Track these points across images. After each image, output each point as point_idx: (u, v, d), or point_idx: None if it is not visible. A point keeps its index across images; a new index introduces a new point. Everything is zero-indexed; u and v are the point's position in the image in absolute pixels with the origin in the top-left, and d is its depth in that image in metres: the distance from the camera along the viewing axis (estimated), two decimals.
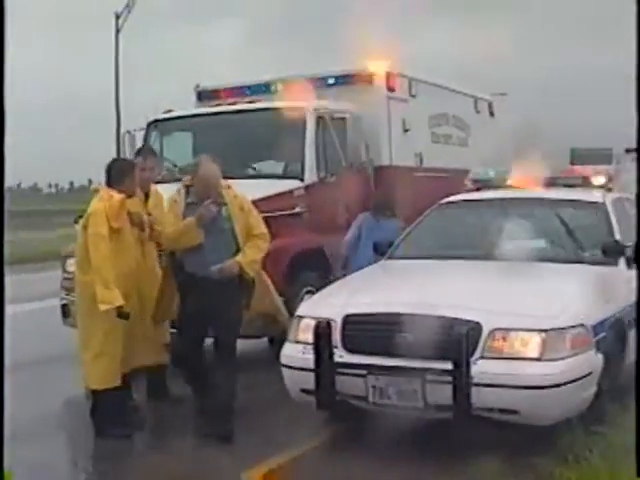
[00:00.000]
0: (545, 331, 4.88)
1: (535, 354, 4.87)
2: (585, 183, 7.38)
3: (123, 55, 29.74)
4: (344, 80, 9.67)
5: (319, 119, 8.71)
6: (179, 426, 6.13)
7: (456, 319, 4.97)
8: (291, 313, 6.01)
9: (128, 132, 10.18)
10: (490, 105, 13.18)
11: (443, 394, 4.83)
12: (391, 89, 9.84)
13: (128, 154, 9.89)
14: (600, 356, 5.14)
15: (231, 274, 5.71)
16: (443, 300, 5.26)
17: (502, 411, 4.84)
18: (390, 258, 6.82)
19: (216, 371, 5.82)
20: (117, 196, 5.84)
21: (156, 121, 9.68)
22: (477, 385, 4.78)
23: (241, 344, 6.07)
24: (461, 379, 4.77)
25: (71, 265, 7.46)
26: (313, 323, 5.36)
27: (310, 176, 8.50)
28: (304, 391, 5.39)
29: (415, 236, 7.05)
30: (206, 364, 5.97)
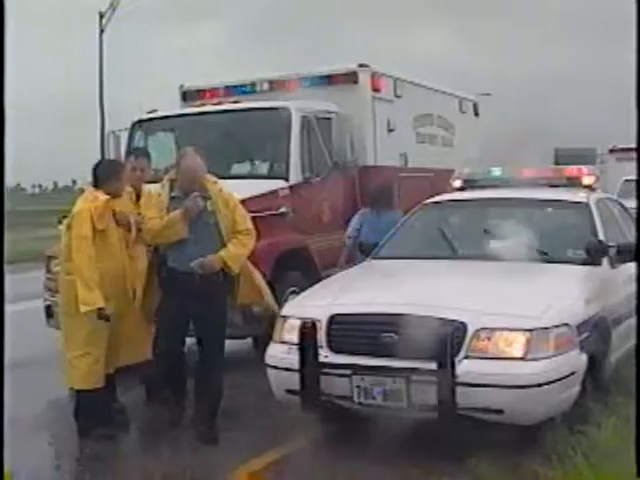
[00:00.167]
0: (529, 331, 4.89)
1: (519, 354, 4.88)
2: (570, 183, 7.40)
3: (107, 55, 29.64)
4: (329, 80, 9.68)
5: (304, 119, 8.72)
6: (165, 427, 6.10)
7: (441, 319, 4.98)
8: (275, 314, 6.00)
9: (112, 132, 10.16)
10: (475, 105, 13.24)
11: (428, 394, 4.83)
12: (376, 89, 9.86)
13: (113, 154, 9.88)
14: (584, 356, 5.16)
15: (213, 269, 5.62)
16: (428, 300, 5.26)
17: (486, 411, 4.85)
18: (375, 258, 6.83)
19: (202, 372, 5.80)
20: (102, 197, 5.82)
21: (140, 121, 9.66)
22: (462, 385, 4.78)
23: (225, 344, 6.05)
24: (446, 379, 4.77)
25: (55, 266, 7.43)
26: (298, 323, 5.36)
27: (295, 176, 8.50)
28: (289, 391, 5.39)
29: (400, 236, 7.05)
30: (186, 365, 5.87)
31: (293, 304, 5.97)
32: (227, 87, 10.19)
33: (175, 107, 10.38)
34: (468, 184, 7.77)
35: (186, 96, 10.56)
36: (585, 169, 7.62)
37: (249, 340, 8.11)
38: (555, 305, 5.22)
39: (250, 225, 5.87)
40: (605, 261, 6.17)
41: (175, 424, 5.92)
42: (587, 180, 7.40)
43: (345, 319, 5.35)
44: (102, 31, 29.40)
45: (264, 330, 6.63)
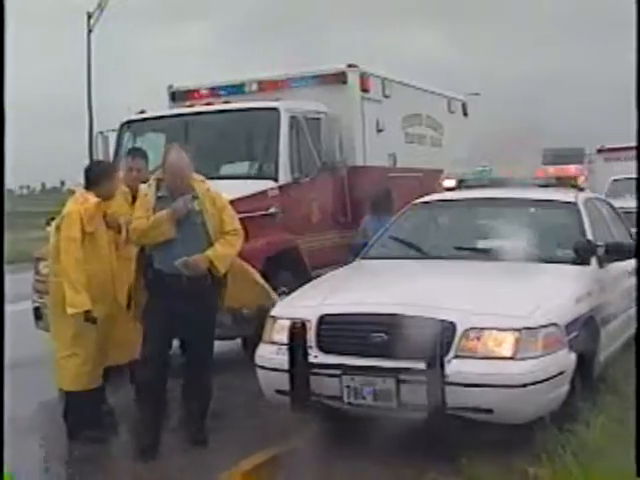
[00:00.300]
0: (518, 330, 4.91)
1: (508, 353, 4.89)
2: (559, 183, 7.42)
3: (95, 55, 29.52)
4: (318, 80, 9.68)
5: (293, 119, 8.72)
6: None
7: (430, 319, 4.98)
8: (265, 314, 5.99)
9: (101, 133, 10.13)
10: (464, 105, 13.27)
11: (418, 394, 4.84)
12: (365, 89, 9.87)
13: (101, 155, 9.85)
14: (573, 355, 5.17)
15: (198, 269, 5.49)
16: (417, 300, 5.27)
17: (476, 410, 4.85)
18: (364, 258, 6.83)
19: (190, 373, 5.77)
20: (92, 199, 5.80)
21: (129, 122, 9.63)
22: (451, 384, 4.79)
23: (215, 345, 6.04)
24: (435, 379, 4.78)
25: (44, 267, 7.41)
26: (287, 324, 5.35)
27: (284, 176, 8.50)
28: (279, 392, 5.38)
29: (389, 236, 7.05)
30: (168, 370, 5.64)
31: (283, 304, 5.96)
32: (216, 87, 10.18)
33: (164, 108, 10.37)
34: (457, 184, 7.79)
35: (175, 96, 10.54)
36: (573, 169, 7.64)
37: (238, 341, 8.11)
38: (544, 305, 5.23)
39: (238, 225, 5.77)
40: (594, 261, 6.19)
41: (152, 449, 5.51)
42: (576, 180, 7.43)
43: (335, 319, 5.35)
44: (90, 31, 29.26)
45: (253, 331, 6.62)
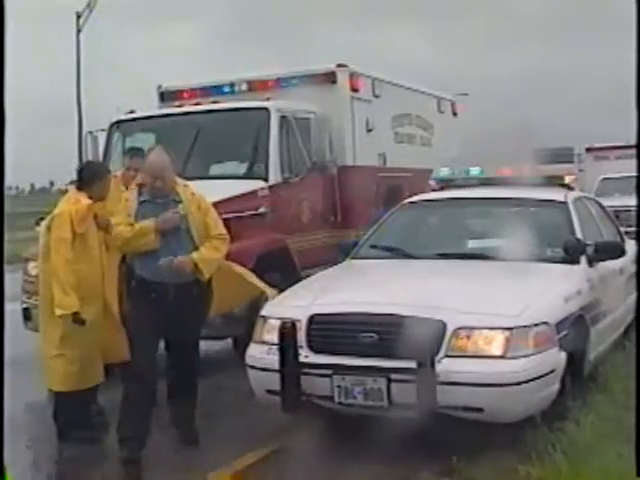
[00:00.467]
0: (508, 329, 4.91)
1: (499, 352, 4.90)
2: (548, 182, 7.44)
3: (84, 55, 29.44)
4: (307, 80, 9.68)
5: (283, 119, 8.72)
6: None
7: (420, 318, 4.98)
8: (256, 314, 5.98)
9: (90, 133, 10.10)
10: (453, 105, 13.29)
11: (408, 393, 4.84)
12: (355, 89, 9.88)
13: (90, 155, 9.82)
14: (563, 354, 5.18)
15: (182, 271, 5.33)
16: (407, 299, 5.27)
17: (467, 409, 4.86)
18: (354, 258, 6.83)
19: (175, 374, 5.73)
20: (84, 201, 5.78)
21: (118, 122, 9.61)
22: (442, 383, 4.79)
23: (205, 345, 6.03)
24: (426, 378, 4.78)
25: (33, 268, 7.38)
26: (278, 323, 5.35)
27: (274, 176, 8.49)
28: (269, 392, 5.38)
29: (379, 236, 7.06)
30: (157, 376, 5.55)
31: (273, 304, 5.96)
32: (205, 87, 10.17)
33: (153, 108, 10.35)
34: (446, 183, 7.80)
35: (164, 96, 10.52)
36: (563, 168, 7.66)
37: (229, 341, 8.10)
38: (534, 303, 5.24)
39: (223, 230, 5.65)
40: (583, 259, 6.20)
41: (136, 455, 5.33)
42: (565, 179, 7.44)
43: (325, 319, 5.35)
44: (79, 31, 29.20)
45: (244, 330, 6.61)
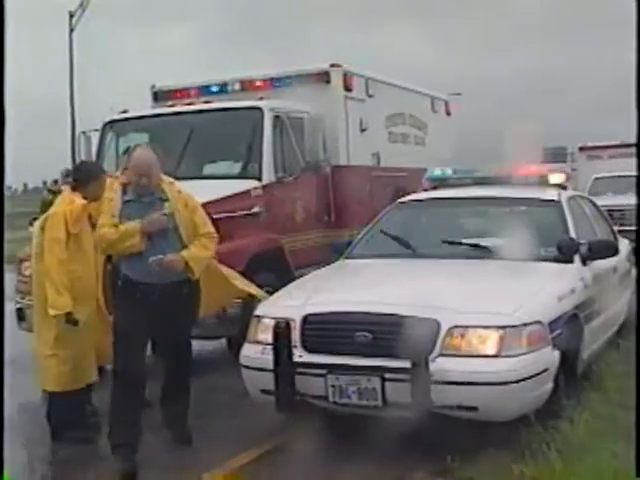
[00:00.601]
0: (502, 328, 4.92)
1: (493, 351, 4.90)
2: (543, 182, 7.45)
3: (77, 54, 29.36)
4: (301, 80, 9.67)
5: (276, 119, 8.71)
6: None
7: (414, 317, 4.98)
8: (250, 314, 5.98)
9: (83, 133, 10.09)
10: (447, 104, 13.30)
11: (402, 392, 4.84)
12: (348, 89, 9.88)
13: (84, 155, 9.81)
14: (556, 352, 5.19)
15: (173, 269, 5.22)
16: (401, 299, 5.27)
17: (461, 408, 4.86)
18: (348, 257, 6.83)
19: (168, 378, 5.71)
20: (79, 201, 5.77)
21: (112, 122, 9.60)
22: (436, 383, 4.79)
23: (199, 345, 6.02)
24: (420, 377, 4.78)
25: (26, 268, 7.36)
26: (272, 323, 5.35)
27: (268, 176, 8.48)
28: (264, 391, 5.38)
29: (373, 235, 7.07)
30: (145, 376, 5.44)
31: (267, 304, 5.96)
32: (199, 87, 10.16)
33: (146, 107, 10.33)
34: (440, 183, 7.81)
35: (157, 96, 10.51)
36: (556, 167, 7.68)
37: (223, 341, 8.09)
38: (527, 302, 5.25)
39: (212, 228, 5.55)
40: (577, 258, 6.21)
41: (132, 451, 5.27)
42: (558, 178, 7.46)
43: (319, 319, 5.35)
44: (72, 30, 29.12)
45: (238, 330, 6.61)
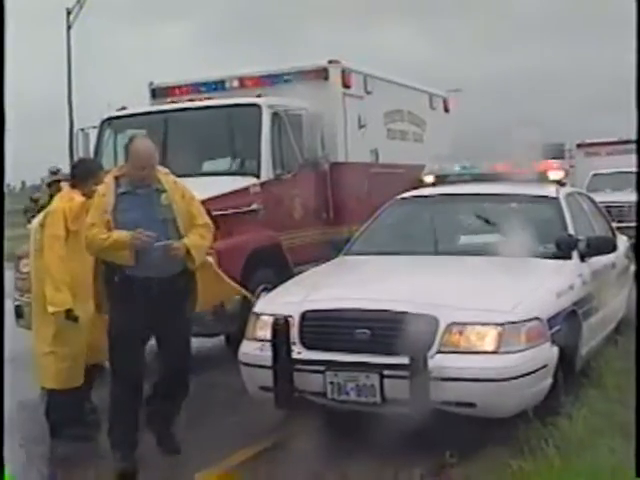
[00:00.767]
0: (501, 325, 4.92)
1: (491, 347, 4.91)
2: (542, 178, 7.45)
3: (75, 52, 29.31)
4: (299, 77, 9.67)
5: (274, 116, 8.70)
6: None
7: (413, 314, 4.98)
8: (248, 311, 5.97)
9: (81, 130, 10.09)
10: (445, 101, 13.29)
11: (401, 389, 4.84)
12: (346, 86, 9.88)
13: (82, 152, 9.80)
14: (555, 349, 5.20)
15: (176, 256, 5.11)
16: (400, 295, 5.28)
17: (459, 404, 4.87)
18: (347, 254, 6.83)
19: (167, 375, 5.68)
20: (78, 198, 5.76)
21: (110, 119, 9.60)
22: (434, 379, 4.80)
23: (197, 342, 6.01)
24: (418, 373, 4.79)
25: (25, 266, 7.36)
26: (271, 320, 5.35)
27: (266, 173, 8.48)
28: (262, 388, 5.38)
29: (371, 232, 7.07)
30: (143, 374, 5.36)
31: (265, 301, 5.96)
32: (197, 84, 10.16)
33: (145, 104, 10.33)
34: (439, 179, 7.81)
35: (155, 93, 10.50)
36: (554, 164, 7.67)
37: (222, 337, 8.09)
38: (526, 299, 5.25)
39: (208, 220, 5.45)
40: (575, 255, 6.22)
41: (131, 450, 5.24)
42: (556, 175, 7.46)
43: (317, 315, 5.35)
44: (69, 27, 29.08)
45: (237, 327, 6.61)
